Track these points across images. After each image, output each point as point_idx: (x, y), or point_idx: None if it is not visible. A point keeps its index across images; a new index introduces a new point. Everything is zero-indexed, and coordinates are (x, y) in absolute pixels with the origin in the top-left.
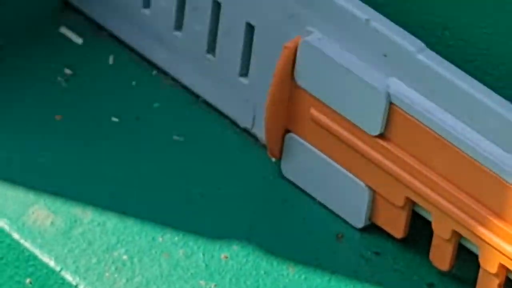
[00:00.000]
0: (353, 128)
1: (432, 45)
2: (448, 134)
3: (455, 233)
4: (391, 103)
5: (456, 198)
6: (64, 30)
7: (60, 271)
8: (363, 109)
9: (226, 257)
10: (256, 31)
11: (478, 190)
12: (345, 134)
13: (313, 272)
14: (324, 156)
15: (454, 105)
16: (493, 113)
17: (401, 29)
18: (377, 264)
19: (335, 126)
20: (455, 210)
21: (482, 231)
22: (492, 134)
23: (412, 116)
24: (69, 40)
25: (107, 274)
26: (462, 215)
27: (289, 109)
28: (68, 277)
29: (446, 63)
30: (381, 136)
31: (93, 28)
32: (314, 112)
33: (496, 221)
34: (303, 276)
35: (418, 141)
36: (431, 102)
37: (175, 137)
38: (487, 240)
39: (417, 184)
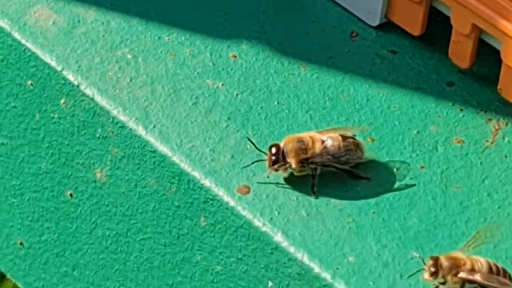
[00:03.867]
0: None
1: None
2: None
3: (475, 27)
4: None
5: None
6: None
7: (61, 70)
8: None
9: (235, 56)
10: None
11: None
12: None
13: (326, 71)
14: None
15: None
16: None
17: None
18: (393, 63)
19: None
20: (474, 2)
21: (504, 23)
22: None
23: None
24: None
25: (110, 73)
26: (483, 8)
27: None
28: (70, 77)
29: None
30: None
31: None
32: None
33: None
34: (315, 76)
35: None
36: None
37: None
38: (509, 33)
39: None
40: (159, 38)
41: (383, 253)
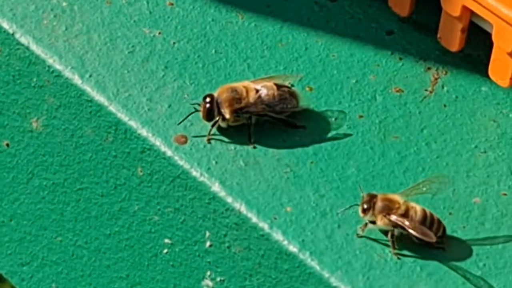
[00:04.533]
0: None
1: None
2: None
3: None
4: None
5: None
6: None
7: None
8: None
9: (172, 4)
10: None
11: None
12: None
13: (264, 19)
14: None
15: None
16: None
17: None
18: (332, 11)
19: None
20: None
21: None
22: None
23: None
24: None
25: (45, 21)
26: None
27: None
28: (5, 25)
29: None
30: None
31: None
32: None
33: None
34: (253, 24)
35: None
36: None
37: None
38: None
39: None
40: None
41: (321, 203)
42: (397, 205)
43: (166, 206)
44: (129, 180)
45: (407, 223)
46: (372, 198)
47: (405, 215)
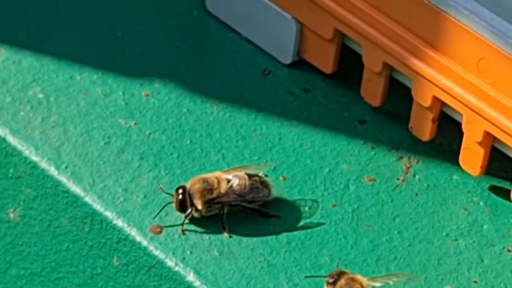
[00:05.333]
0: None
1: None
2: None
3: (386, 66)
4: None
5: (386, 28)
6: None
7: None
8: None
9: (147, 95)
10: None
11: (410, 19)
12: None
13: (239, 109)
14: None
15: None
16: None
17: None
18: (305, 101)
19: None
20: (385, 40)
21: (414, 62)
22: None
23: None
24: None
25: (22, 113)
26: (394, 46)
27: None
28: None
29: None
30: None
31: None
32: None
33: (429, 52)
34: (228, 114)
35: None
36: None
37: None
38: (420, 71)
39: (345, 14)
40: (71, 77)
41: None
42: (357, 286)
43: None
44: (106, 270)
45: None
46: (340, 274)
47: None
